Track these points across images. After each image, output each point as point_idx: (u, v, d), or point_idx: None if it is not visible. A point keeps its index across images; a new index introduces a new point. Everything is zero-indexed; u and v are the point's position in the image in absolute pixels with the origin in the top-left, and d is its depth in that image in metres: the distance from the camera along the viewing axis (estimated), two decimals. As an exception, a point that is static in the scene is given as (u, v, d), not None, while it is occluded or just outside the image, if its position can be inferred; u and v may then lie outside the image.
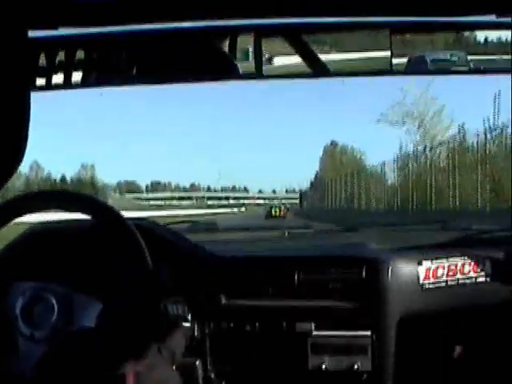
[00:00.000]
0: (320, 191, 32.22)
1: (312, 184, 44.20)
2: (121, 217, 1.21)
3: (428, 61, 1.25)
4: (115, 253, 1.19)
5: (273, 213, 16.11)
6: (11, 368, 1.09)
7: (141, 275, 1.14)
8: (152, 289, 1.16)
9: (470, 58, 1.27)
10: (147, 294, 1.15)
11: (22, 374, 1.09)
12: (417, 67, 1.27)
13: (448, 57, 1.25)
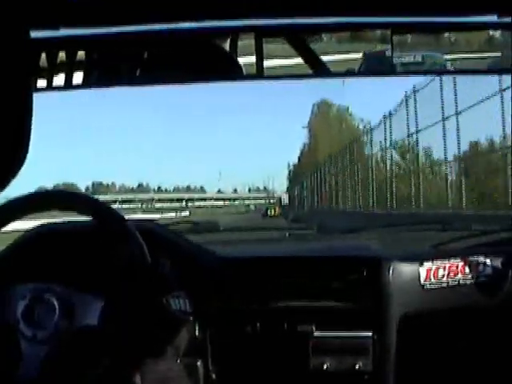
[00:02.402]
0: (306, 180, 22.45)
1: (292, 171, 33.95)
2: (120, 217, 1.22)
3: (396, 63, 1.22)
4: (114, 251, 1.19)
5: (269, 213, 16.75)
6: (16, 371, 1.09)
7: (140, 269, 1.15)
8: (151, 282, 1.16)
9: (447, 57, 1.25)
10: (147, 287, 1.15)
11: (27, 376, 1.09)
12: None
13: (420, 59, 1.23)
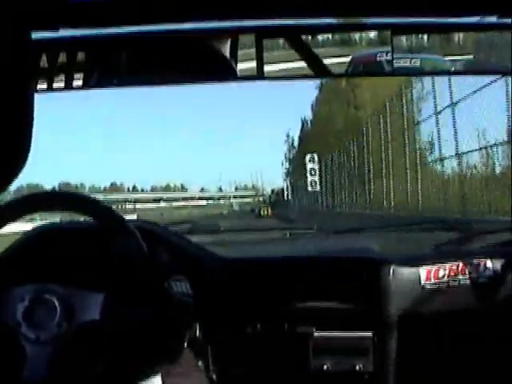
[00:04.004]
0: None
1: (300, 138, 23.78)
2: (120, 217, 1.22)
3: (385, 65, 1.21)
4: (112, 247, 1.19)
5: (262, 213, 16.79)
6: (21, 375, 1.09)
7: (137, 260, 1.15)
8: (150, 270, 1.17)
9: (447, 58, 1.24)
10: (146, 275, 1.15)
11: (34, 377, 1.08)
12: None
13: (418, 64, 1.23)
